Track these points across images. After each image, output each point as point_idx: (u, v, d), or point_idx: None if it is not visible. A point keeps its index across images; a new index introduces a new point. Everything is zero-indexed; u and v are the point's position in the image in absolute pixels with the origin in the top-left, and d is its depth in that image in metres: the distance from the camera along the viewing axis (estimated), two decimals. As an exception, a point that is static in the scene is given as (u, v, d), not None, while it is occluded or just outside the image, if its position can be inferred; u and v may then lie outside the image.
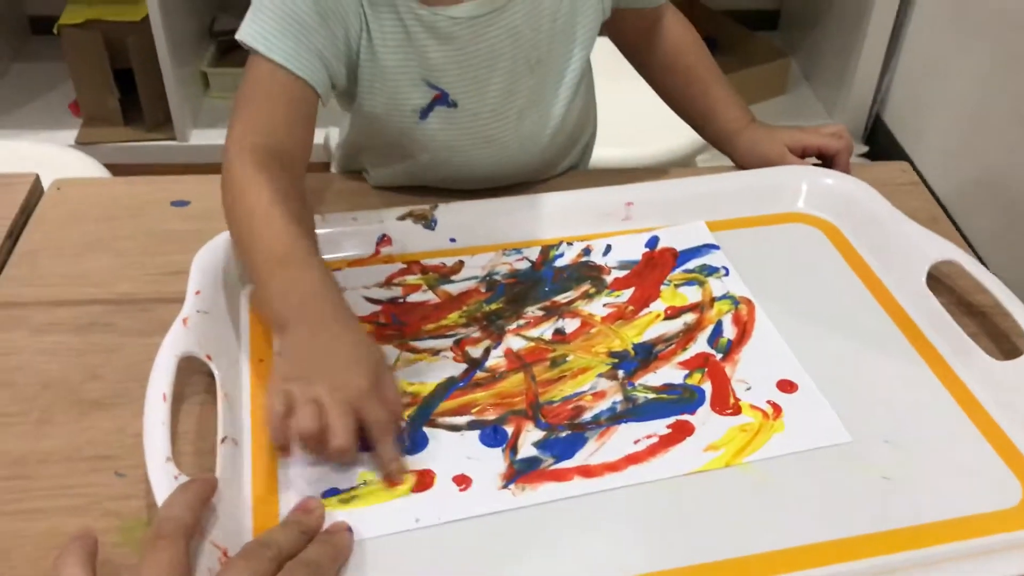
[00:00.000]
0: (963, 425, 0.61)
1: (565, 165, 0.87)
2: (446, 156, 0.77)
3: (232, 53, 2.07)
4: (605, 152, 0.96)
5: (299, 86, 0.69)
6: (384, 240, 0.73)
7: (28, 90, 2.06)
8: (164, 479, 0.52)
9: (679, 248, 0.74)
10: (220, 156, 0.68)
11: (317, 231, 0.68)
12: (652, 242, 0.74)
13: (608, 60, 0.92)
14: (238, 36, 0.69)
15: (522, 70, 0.75)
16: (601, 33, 0.81)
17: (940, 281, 0.71)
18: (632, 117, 1.20)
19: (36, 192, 0.81)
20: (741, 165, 0.85)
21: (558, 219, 0.75)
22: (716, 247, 0.74)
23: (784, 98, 2.11)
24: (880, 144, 1.92)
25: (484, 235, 0.74)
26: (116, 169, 1.15)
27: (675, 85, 0.88)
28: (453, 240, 0.74)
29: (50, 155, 1.19)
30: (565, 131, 0.81)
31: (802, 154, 0.82)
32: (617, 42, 0.89)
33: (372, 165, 0.82)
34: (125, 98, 1.91)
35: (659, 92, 0.90)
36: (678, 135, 1.27)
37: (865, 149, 1.98)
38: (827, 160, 0.83)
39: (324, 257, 0.65)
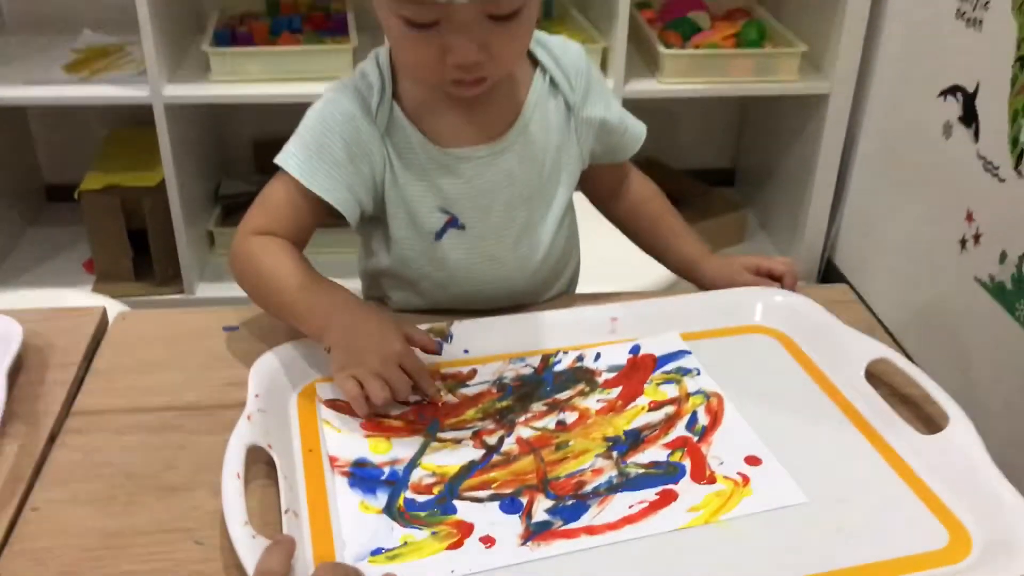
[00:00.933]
0: (898, 486, 0.73)
1: (556, 291, 1.01)
2: (457, 273, 0.92)
3: (235, 214, 2.24)
4: (588, 288, 1.11)
5: (318, 205, 0.86)
6: (409, 353, 0.86)
7: (42, 252, 2.19)
8: (244, 538, 0.64)
9: (657, 354, 0.88)
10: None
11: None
12: (635, 349, 0.88)
13: (584, 217, 1.07)
14: (278, 160, 0.87)
15: (517, 202, 0.91)
16: (577, 189, 0.98)
17: (878, 378, 0.85)
18: (607, 262, 1.36)
19: (103, 322, 0.93)
20: (704, 288, 0.99)
21: (555, 332, 0.89)
22: (688, 352, 0.88)
23: (743, 246, 2.29)
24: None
25: (493, 346, 0.87)
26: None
27: (641, 228, 1.05)
28: (466, 351, 0.87)
29: (87, 302, 1.32)
30: (554, 255, 0.97)
31: (755, 274, 0.97)
32: (591, 195, 1.06)
33: (393, 289, 0.96)
34: (135, 256, 2.06)
35: (627, 234, 1.07)
36: (646, 275, 1.43)
37: (820, 289, 2.15)
38: (776, 281, 0.98)
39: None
